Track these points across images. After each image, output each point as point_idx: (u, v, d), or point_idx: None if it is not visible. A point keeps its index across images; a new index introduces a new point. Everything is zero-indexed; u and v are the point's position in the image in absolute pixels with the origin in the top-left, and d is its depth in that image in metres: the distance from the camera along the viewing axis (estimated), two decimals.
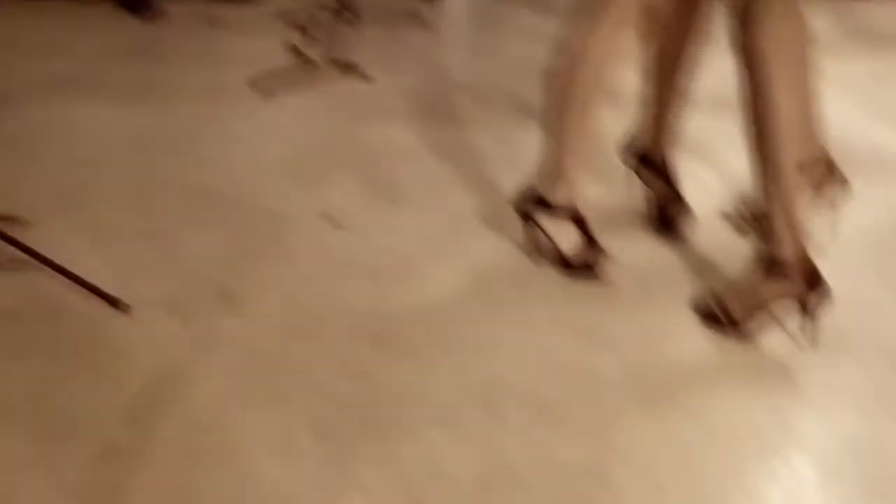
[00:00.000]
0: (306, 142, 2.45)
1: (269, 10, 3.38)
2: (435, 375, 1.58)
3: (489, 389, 1.54)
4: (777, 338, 1.66)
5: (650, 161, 1.99)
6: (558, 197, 1.81)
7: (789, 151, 1.57)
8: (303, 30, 3.06)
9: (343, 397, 1.53)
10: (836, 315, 1.66)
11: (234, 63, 2.99)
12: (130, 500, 1.32)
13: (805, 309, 1.61)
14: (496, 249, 1.95)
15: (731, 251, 1.91)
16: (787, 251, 1.59)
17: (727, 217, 2.02)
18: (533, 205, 1.84)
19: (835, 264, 1.64)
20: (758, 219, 1.89)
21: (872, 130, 2.42)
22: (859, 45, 3.02)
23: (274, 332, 1.69)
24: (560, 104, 1.74)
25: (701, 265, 1.89)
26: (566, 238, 1.83)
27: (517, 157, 2.32)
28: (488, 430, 1.45)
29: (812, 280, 1.59)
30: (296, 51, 3.00)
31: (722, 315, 1.67)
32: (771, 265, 1.62)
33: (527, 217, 1.85)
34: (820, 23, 1.55)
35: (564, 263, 1.85)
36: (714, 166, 2.28)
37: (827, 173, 1.93)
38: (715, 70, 2.60)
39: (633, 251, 1.92)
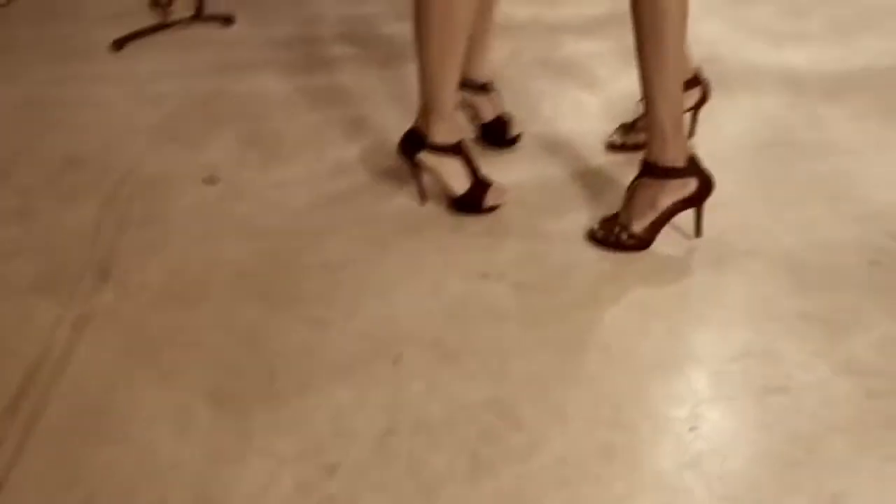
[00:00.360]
0: (177, 100, 2.33)
1: None
2: (330, 329, 1.55)
3: (387, 338, 1.52)
4: (669, 251, 1.71)
5: (470, 84, 1.99)
6: (438, 134, 1.78)
7: (680, 62, 1.63)
8: None
9: (238, 363, 1.48)
10: (717, 225, 1.73)
11: (91, 20, 2.81)
12: (17, 490, 1.25)
13: (698, 209, 1.70)
14: (383, 194, 1.91)
15: (615, 174, 1.94)
16: (679, 156, 1.65)
17: (611, 143, 2.04)
18: (415, 146, 1.80)
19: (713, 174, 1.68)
20: (643, 134, 1.93)
21: (741, 46, 2.47)
22: None
23: (158, 303, 1.62)
24: (430, 38, 1.69)
25: (586, 189, 1.90)
26: (450, 175, 1.81)
27: (396, 97, 2.28)
28: (390, 379, 1.44)
29: (703, 179, 1.67)
30: (155, 4, 2.84)
31: (622, 233, 1.71)
32: (664, 173, 1.67)
33: (411, 159, 1.82)
34: None
35: (451, 201, 1.83)
36: (592, 89, 2.28)
37: (700, 91, 1.98)
38: None
39: (517, 181, 1.91)
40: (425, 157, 1.80)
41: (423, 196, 1.86)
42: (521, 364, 1.46)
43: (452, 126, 1.80)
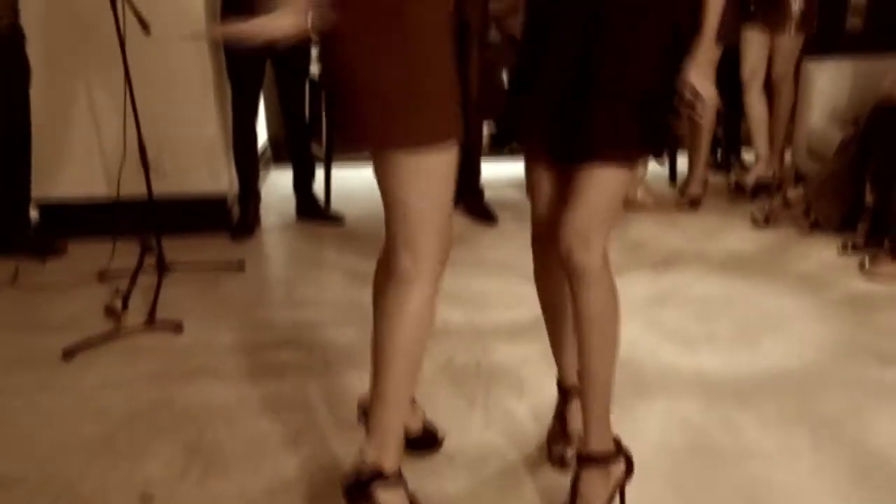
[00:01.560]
0: (122, 411, 2.39)
1: (82, 267, 3.38)
2: None
3: None
4: None
5: None
6: (391, 463, 1.76)
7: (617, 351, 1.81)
8: (117, 289, 3.06)
9: None
10: None
11: (45, 327, 2.92)
12: None
13: (622, 488, 1.86)
14: None
15: (547, 483, 2.01)
16: (611, 441, 1.83)
17: (549, 453, 2.12)
18: (364, 488, 1.76)
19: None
20: (569, 430, 2.07)
21: (659, 350, 2.66)
22: (638, 263, 3.37)
23: None
24: (394, 365, 1.72)
25: (517, 500, 1.96)
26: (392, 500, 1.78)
27: (334, 405, 2.37)
28: None
29: (628, 457, 1.86)
30: (111, 311, 2.98)
31: None
32: (607, 460, 1.82)
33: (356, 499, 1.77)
34: None
35: None
36: (520, 396, 2.41)
37: None
38: (515, 300, 2.82)
39: (451, 494, 1.97)
40: (377, 493, 1.75)
41: None
42: None
43: (400, 452, 1.80)
